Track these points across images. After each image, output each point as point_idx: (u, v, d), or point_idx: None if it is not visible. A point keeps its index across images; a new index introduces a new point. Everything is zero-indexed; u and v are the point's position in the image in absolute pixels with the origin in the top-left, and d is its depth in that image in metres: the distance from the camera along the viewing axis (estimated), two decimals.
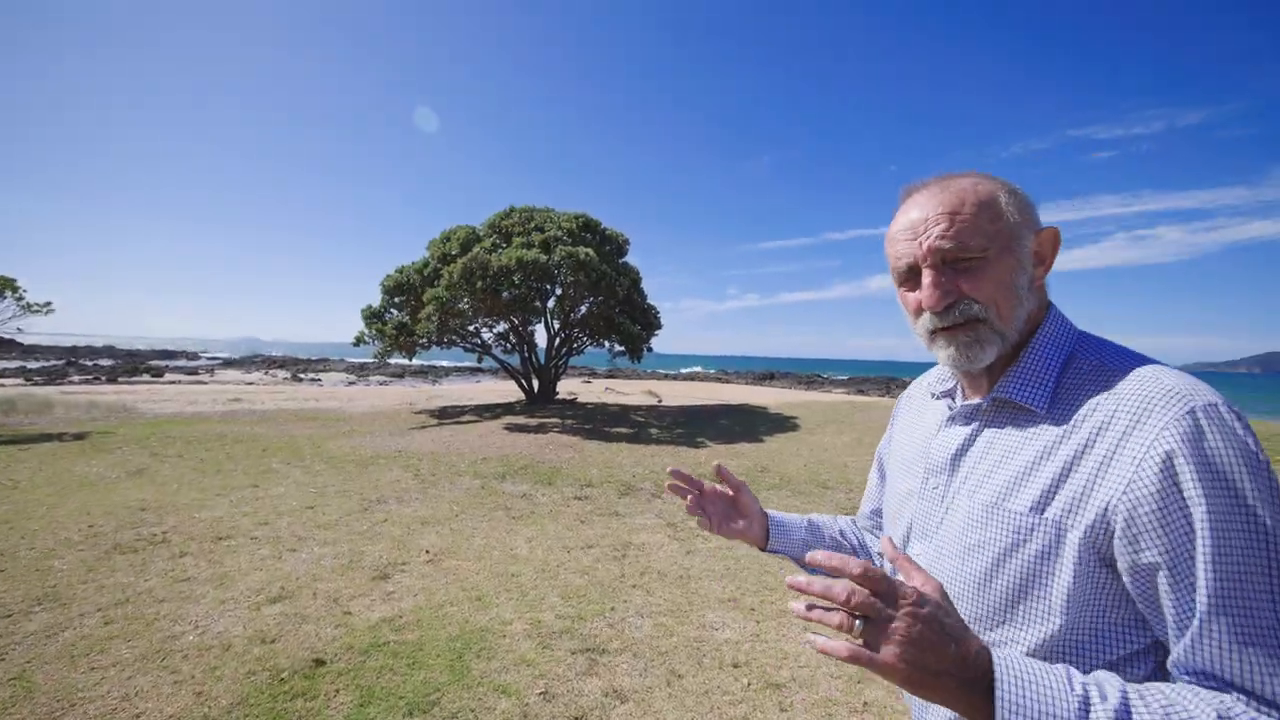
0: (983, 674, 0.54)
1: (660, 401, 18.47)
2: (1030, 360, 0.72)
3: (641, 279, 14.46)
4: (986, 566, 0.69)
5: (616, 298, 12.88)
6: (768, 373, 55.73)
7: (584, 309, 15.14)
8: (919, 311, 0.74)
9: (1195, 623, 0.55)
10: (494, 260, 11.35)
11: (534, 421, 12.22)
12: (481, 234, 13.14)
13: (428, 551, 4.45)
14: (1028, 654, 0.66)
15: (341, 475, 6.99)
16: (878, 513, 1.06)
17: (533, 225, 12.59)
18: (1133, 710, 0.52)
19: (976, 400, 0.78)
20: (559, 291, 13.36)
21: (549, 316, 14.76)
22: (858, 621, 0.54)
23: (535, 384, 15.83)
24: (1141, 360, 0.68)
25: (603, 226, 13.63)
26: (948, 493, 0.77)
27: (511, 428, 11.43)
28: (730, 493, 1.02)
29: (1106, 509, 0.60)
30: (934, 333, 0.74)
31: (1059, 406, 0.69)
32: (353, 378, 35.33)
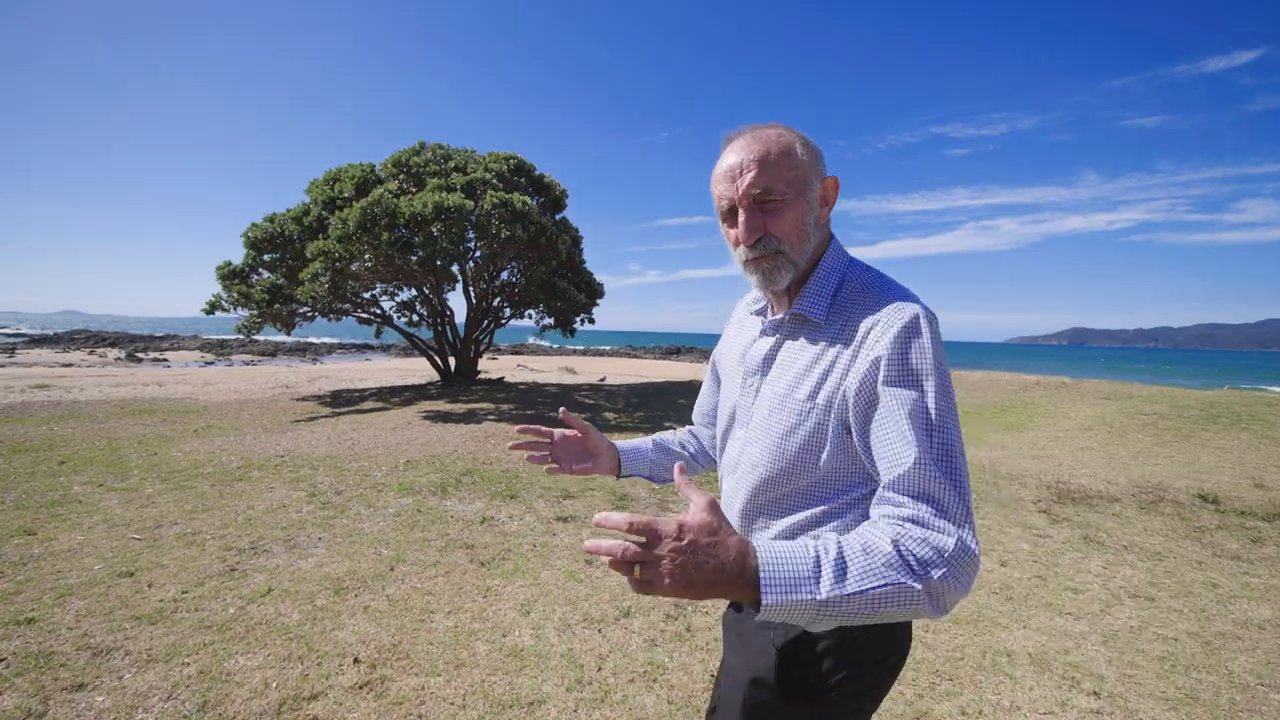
0: (746, 567, 0.69)
1: (604, 380, 16.73)
2: (813, 284, 0.96)
3: (583, 239, 12.44)
4: (779, 438, 0.94)
5: (559, 258, 10.83)
6: (674, 347, 55.92)
7: (509, 272, 12.89)
8: (737, 244, 0.95)
9: (894, 457, 0.80)
10: (404, 206, 8.88)
11: (460, 408, 10.01)
12: (383, 175, 10.43)
13: (357, 660, 2.53)
14: (804, 492, 0.93)
15: (190, 502, 4.63)
16: (711, 411, 1.29)
17: (452, 165, 10.13)
18: (845, 551, 0.72)
19: (780, 315, 1.01)
20: (479, 250, 11.04)
21: (468, 280, 12.38)
22: (635, 566, 0.67)
23: (453, 362, 13.41)
24: (889, 284, 0.93)
25: (539, 173, 11.39)
26: (760, 388, 1.01)
27: (433, 416, 9.19)
28: (579, 435, 1.19)
29: (847, 391, 0.86)
30: (746, 262, 0.95)
31: (834, 319, 0.93)
32: (210, 357, 29.76)
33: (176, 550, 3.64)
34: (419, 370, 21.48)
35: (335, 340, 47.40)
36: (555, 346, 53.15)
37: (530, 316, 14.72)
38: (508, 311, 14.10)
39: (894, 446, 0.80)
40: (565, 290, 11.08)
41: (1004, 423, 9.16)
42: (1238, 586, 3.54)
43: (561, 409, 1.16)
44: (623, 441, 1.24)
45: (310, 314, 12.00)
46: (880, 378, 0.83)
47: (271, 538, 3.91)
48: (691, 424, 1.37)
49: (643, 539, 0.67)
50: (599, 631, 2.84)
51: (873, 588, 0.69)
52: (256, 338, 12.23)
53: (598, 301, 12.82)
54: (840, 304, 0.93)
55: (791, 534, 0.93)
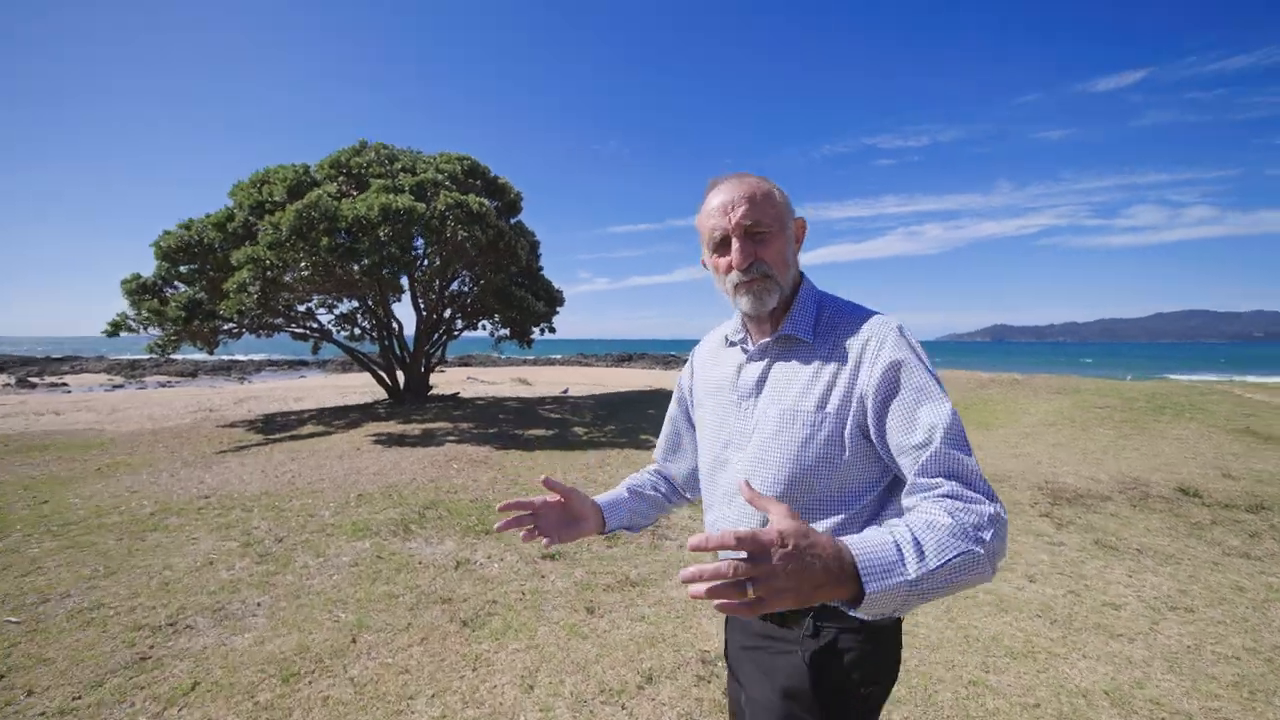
0: (845, 562, 0.71)
1: (567, 391, 16.05)
2: (798, 308, 1.05)
3: (540, 244, 11.80)
4: (796, 449, 0.98)
5: (518, 264, 10.16)
6: (626, 354, 55.56)
7: (461, 281, 12.09)
8: (729, 270, 1.02)
9: (921, 446, 0.87)
10: (345, 209, 8.05)
11: (414, 429, 9.20)
12: (319, 176, 9.49)
13: None
14: (823, 501, 0.98)
15: (89, 564, 3.80)
16: (679, 448, 1.33)
17: (399, 166, 9.30)
18: (915, 532, 0.76)
19: (765, 339, 1.07)
20: (428, 257, 10.22)
21: (417, 290, 11.51)
22: (747, 584, 0.66)
23: (401, 378, 12.45)
24: (860, 307, 1.05)
25: (493, 175, 10.68)
26: (755, 409, 1.05)
27: (384, 440, 8.37)
28: (561, 500, 1.15)
29: (862, 397, 0.94)
30: (738, 285, 1.02)
31: (821, 339, 1.02)
32: (119, 380, 26.97)
33: (68, 635, 2.87)
34: (361, 387, 20.12)
35: (264, 357, 44.20)
36: (505, 356, 51.61)
37: (484, 327, 13.94)
38: (460, 323, 13.28)
39: (917, 435, 0.87)
40: (523, 299, 10.43)
41: (972, 420, 9.27)
42: (1263, 589, 3.45)
43: (544, 477, 1.13)
44: (602, 497, 1.24)
45: (237, 330, 10.82)
46: (893, 381, 0.92)
47: (196, 607, 3.19)
48: (654, 461, 1.39)
49: (750, 553, 0.68)
50: (622, 707, 2.35)
51: (950, 559, 0.75)
52: (175, 356, 10.95)
53: (557, 310, 12.24)
54: (825, 325, 1.03)
55: None
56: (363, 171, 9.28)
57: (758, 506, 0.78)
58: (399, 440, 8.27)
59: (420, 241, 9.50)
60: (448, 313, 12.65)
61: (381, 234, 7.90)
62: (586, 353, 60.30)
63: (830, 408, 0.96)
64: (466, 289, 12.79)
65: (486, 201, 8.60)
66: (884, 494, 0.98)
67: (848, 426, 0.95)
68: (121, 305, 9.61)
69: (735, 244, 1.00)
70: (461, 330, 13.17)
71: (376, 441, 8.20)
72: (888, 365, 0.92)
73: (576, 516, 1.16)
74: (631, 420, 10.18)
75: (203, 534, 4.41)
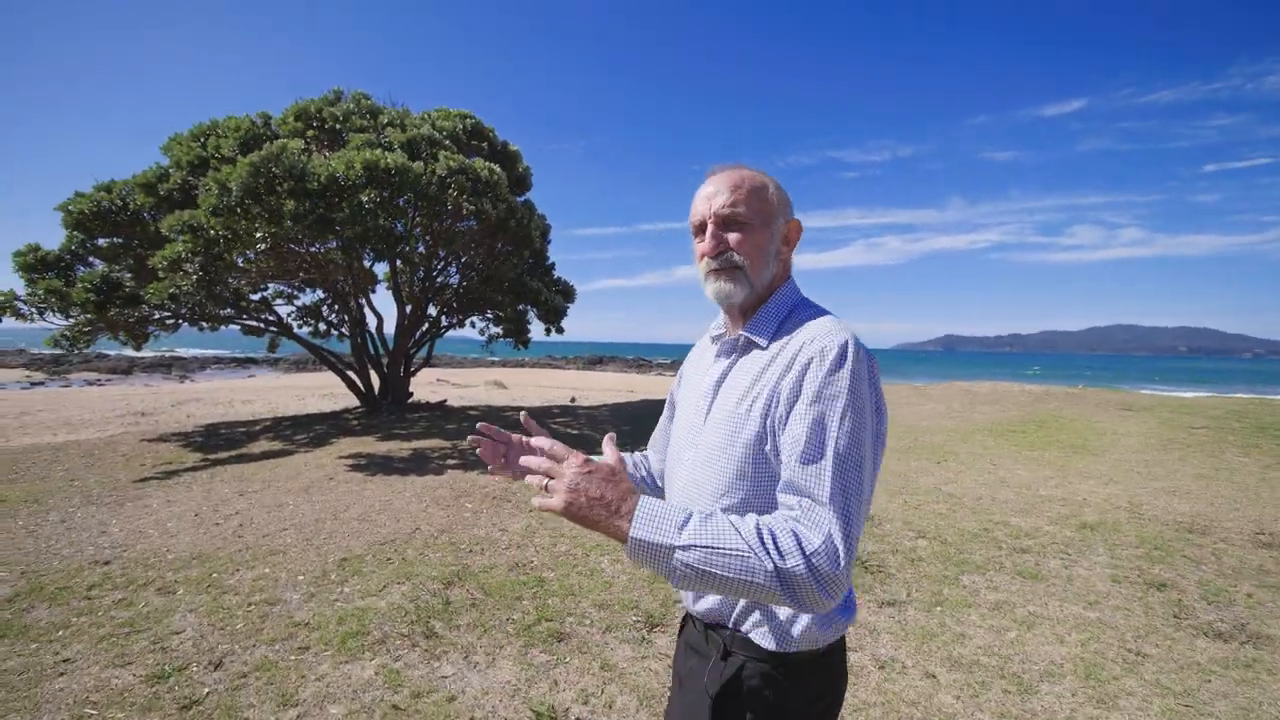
0: (627, 502, 0.81)
1: (574, 400, 14.27)
2: (764, 311, 1.02)
3: (550, 228, 10.01)
4: (722, 452, 0.97)
5: (531, 247, 8.42)
6: (596, 357, 53.91)
7: (456, 266, 10.24)
8: (702, 257, 1.02)
9: (787, 455, 0.87)
10: (317, 166, 6.22)
11: (400, 447, 7.37)
12: (281, 131, 7.58)
13: None
14: (750, 490, 0.95)
15: None
16: (662, 436, 1.32)
17: (385, 121, 7.46)
18: (716, 517, 0.81)
19: (734, 337, 1.05)
20: (410, 237, 8.37)
21: (399, 275, 9.64)
22: (548, 481, 0.84)
23: (377, 382, 10.51)
24: (820, 314, 1.00)
25: (501, 140, 8.84)
26: (710, 409, 1.04)
27: (364, 463, 6.54)
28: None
29: (774, 402, 0.92)
30: (708, 274, 1.02)
31: (775, 343, 0.99)
32: (39, 376, 23.70)
33: None
34: (322, 388, 17.88)
35: (210, 353, 40.59)
36: (472, 358, 48.95)
37: (473, 325, 12.13)
38: (446, 320, 11.42)
39: (794, 451, 0.86)
40: (537, 291, 8.71)
41: (1059, 442, 8.06)
42: None
43: (523, 413, 1.13)
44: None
45: (171, 321, 8.75)
46: (797, 391, 0.89)
47: None
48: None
49: (554, 460, 0.85)
50: None
51: (725, 547, 0.78)
52: (108, 351, 8.83)
53: (568, 306, 10.53)
54: (783, 331, 1.00)
55: None
56: (339, 125, 7.41)
57: (605, 449, 0.92)
58: (384, 464, 6.47)
59: (401, 219, 7.69)
60: (437, 308, 10.79)
61: (365, 199, 6.11)
62: (555, 355, 58.23)
63: (755, 411, 0.95)
64: (454, 280, 10.95)
65: (498, 169, 6.89)
66: None
67: (763, 426, 0.94)
68: (13, 282, 7.48)
69: (709, 229, 1.00)
70: (449, 327, 11.32)
71: (354, 466, 6.38)
72: (802, 374, 0.90)
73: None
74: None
75: (82, 649, 2.64)
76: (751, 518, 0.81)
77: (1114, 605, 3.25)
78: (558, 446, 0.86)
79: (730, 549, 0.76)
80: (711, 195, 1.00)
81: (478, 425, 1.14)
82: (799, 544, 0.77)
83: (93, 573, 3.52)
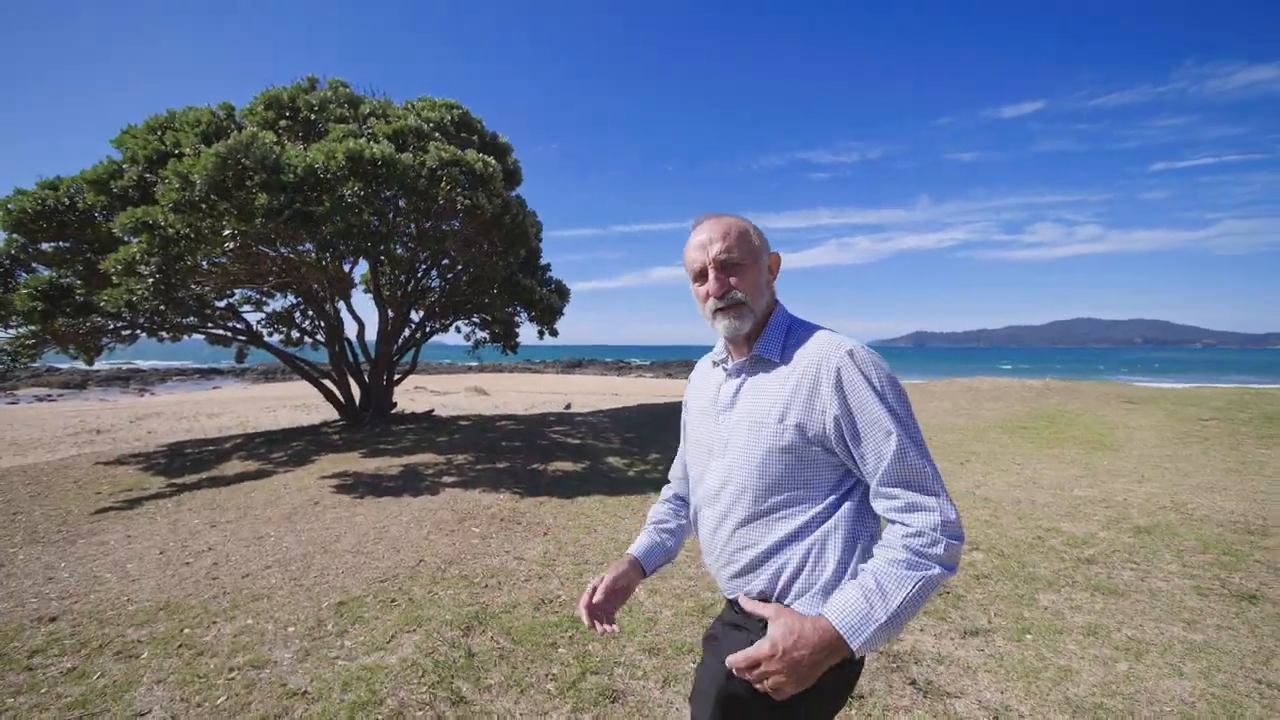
0: (828, 636, 0.93)
1: (569, 407, 13.70)
2: (769, 331, 1.17)
3: (543, 225, 9.47)
4: (762, 458, 1.09)
5: (526, 244, 7.90)
6: (575, 360, 53.21)
7: (441, 270, 9.65)
8: (707, 298, 1.15)
9: (877, 458, 1.00)
10: (293, 156, 5.63)
11: (391, 464, 6.79)
12: (249, 121, 6.93)
13: None
14: (788, 499, 1.08)
15: None
16: (686, 465, 1.39)
17: (366, 111, 6.88)
18: (877, 575, 0.95)
19: (741, 359, 1.20)
20: (409, 231, 7.77)
21: (380, 277, 9.01)
22: (766, 682, 0.96)
23: (357, 393, 9.84)
24: (816, 327, 1.16)
25: (490, 132, 8.28)
26: (730, 421, 1.17)
27: (351, 483, 5.97)
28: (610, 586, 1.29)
29: (822, 412, 1.04)
30: (716, 311, 1.15)
31: (786, 358, 1.13)
32: None
33: None
34: (294, 399, 16.99)
35: (173, 365, 38.69)
36: (447, 363, 47.75)
37: (458, 329, 11.54)
38: (430, 324, 10.80)
39: (877, 447, 1.00)
40: (531, 291, 8.21)
41: (1075, 438, 7.88)
42: None
43: (584, 606, 1.25)
44: (636, 547, 1.35)
45: (128, 331, 8.00)
46: (852, 397, 1.02)
47: None
48: (670, 481, 1.50)
49: (756, 667, 0.96)
50: None
51: (910, 591, 0.92)
52: (59, 365, 8.03)
53: (564, 306, 10.02)
54: (791, 345, 1.14)
55: (789, 537, 1.08)
56: (315, 115, 6.81)
57: (758, 612, 1.05)
58: (373, 484, 5.90)
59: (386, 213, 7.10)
60: (419, 312, 10.17)
61: (347, 192, 5.55)
62: (533, 359, 57.31)
63: (790, 420, 1.06)
64: (435, 282, 10.34)
65: (493, 161, 6.37)
66: (847, 492, 1.08)
67: (807, 436, 1.06)
68: None
69: (712, 274, 1.13)
70: (434, 331, 10.70)
71: (340, 487, 5.80)
72: (838, 383, 1.03)
73: (625, 588, 1.28)
74: (671, 444, 8.17)
75: None
76: (894, 546, 0.96)
77: (1214, 624, 2.95)
78: (737, 661, 0.98)
79: (912, 589, 0.92)
80: (706, 244, 1.14)
81: (594, 599, 1.23)
82: (934, 529, 0.95)
83: (35, 633, 2.94)
